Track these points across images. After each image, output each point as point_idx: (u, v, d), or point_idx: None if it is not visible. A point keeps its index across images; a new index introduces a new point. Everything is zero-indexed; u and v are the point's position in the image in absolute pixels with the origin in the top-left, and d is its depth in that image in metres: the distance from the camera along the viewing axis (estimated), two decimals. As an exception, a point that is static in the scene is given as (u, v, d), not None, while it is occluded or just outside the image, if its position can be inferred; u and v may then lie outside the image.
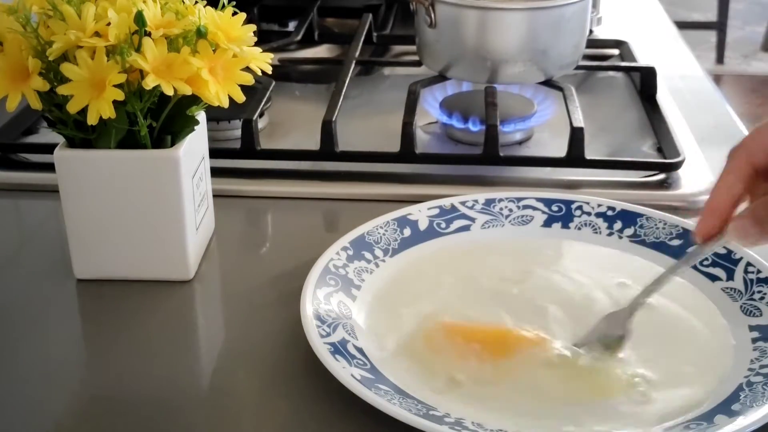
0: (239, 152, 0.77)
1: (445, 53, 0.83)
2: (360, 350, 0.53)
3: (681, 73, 1.00)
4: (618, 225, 0.65)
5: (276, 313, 0.58)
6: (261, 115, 0.82)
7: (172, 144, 0.59)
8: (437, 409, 0.49)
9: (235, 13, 0.58)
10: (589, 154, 0.75)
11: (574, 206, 0.67)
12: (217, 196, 0.68)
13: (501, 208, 0.67)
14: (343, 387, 0.49)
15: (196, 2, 0.58)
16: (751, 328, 0.55)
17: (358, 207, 0.72)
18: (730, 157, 0.52)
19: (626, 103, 0.92)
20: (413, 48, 0.89)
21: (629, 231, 0.65)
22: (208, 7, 0.57)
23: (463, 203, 0.67)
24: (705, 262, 0.60)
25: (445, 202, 0.66)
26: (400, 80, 0.90)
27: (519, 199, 0.67)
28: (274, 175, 0.76)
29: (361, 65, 0.97)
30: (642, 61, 0.96)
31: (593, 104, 0.89)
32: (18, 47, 0.55)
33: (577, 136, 0.74)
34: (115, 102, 0.54)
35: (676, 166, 0.75)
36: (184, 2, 0.58)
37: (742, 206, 0.52)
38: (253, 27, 0.58)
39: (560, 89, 0.82)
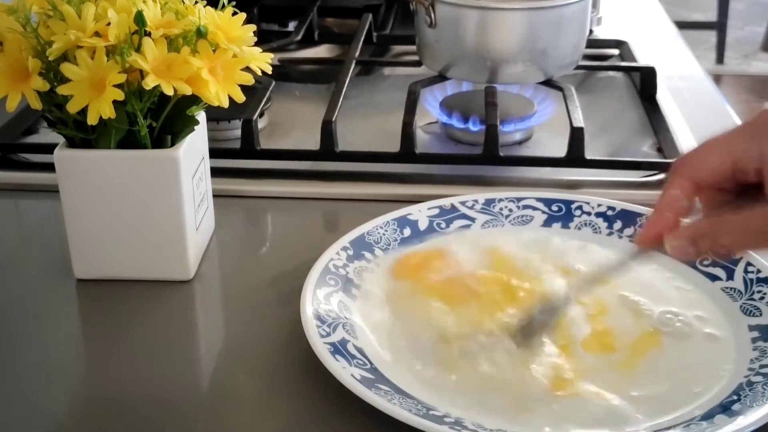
0: (239, 152, 0.77)
1: (445, 53, 0.83)
2: (360, 350, 0.53)
3: (681, 73, 0.99)
4: (618, 225, 0.65)
5: (276, 313, 0.58)
6: (261, 115, 0.82)
7: (172, 144, 0.59)
8: (437, 409, 0.49)
9: (235, 13, 0.58)
10: (589, 154, 0.75)
11: (574, 206, 0.67)
12: (217, 196, 0.68)
13: (501, 208, 0.67)
14: (343, 387, 0.49)
15: (196, 2, 0.58)
16: (751, 328, 0.55)
17: (358, 207, 0.72)
18: (672, 172, 0.51)
19: (626, 103, 0.92)
20: (413, 48, 0.89)
21: (629, 231, 0.65)
22: (208, 7, 0.57)
23: (463, 203, 0.67)
24: (705, 262, 0.60)
25: (445, 202, 0.66)
26: (400, 80, 0.90)
27: (519, 199, 0.67)
28: (274, 175, 0.76)
29: (361, 65, 0.97)
30: (642, 61, 0.97)
31: (593, 104, 0.89)
32: (18, 47, 0.55)
33: (577, 136, 0.74)
34: (115, 102, 0.54)
35: (676, 166, 0.75)
36: (184, 2, 0.58)
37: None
38: (253, 27, 0.58)
39: (560, 89, 0.82)
